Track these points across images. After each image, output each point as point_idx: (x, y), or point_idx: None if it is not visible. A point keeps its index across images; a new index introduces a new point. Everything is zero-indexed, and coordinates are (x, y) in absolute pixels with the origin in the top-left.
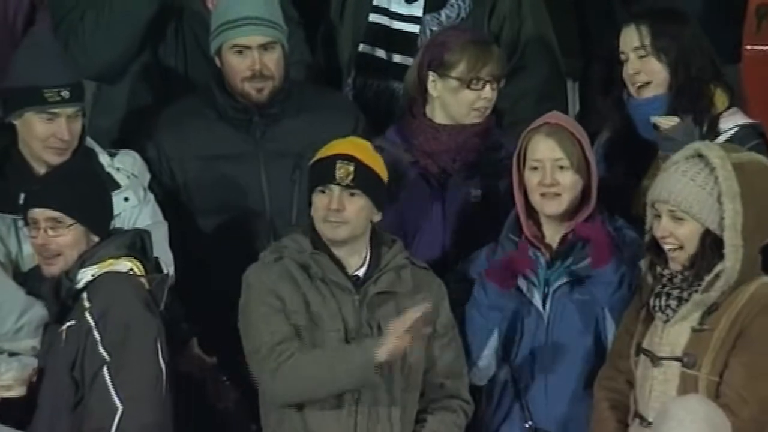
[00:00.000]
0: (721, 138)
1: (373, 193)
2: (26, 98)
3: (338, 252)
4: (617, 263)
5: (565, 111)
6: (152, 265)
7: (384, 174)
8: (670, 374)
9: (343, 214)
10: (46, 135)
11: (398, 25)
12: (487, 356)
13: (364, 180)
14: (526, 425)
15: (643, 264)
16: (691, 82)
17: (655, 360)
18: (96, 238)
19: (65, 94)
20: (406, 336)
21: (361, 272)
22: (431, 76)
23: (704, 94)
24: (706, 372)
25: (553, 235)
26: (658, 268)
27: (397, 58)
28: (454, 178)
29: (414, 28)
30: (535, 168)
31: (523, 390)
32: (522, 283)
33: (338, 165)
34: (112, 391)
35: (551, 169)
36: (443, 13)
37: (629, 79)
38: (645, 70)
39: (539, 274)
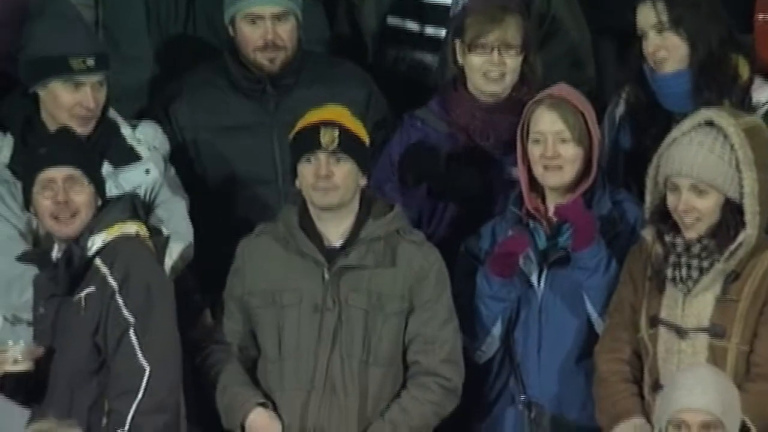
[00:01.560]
0: (761, 111)
1: (359, 157)
2: (52, 67)
3: (322, 222)
4: (596, 249)
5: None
6: (149, 227)
7: (366, 138)
8: (699, 346)
9: (332, 180)
10: (71, 104)
11: None
12: (490, 342)
13: (349, 144)
14: (521, 398)
15: (647, 234)
16: (712, 54)
17: (682, 332)
18: (99, 202)
19: (90, 62)
20: None
21: (338, 243)
22: (456, 43)
23: (728, 65)
24: (736, 342)
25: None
26: (667, 237)
27: (429, 30)
28: (489, 155)
29: (446, 0)
30: (538, 140)
31: (518, 365)
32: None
33: (322, 131)
34: (139, 353)
35: (553, 142)
36: None
37: (649, 56)
38: (665, 46)
39: (537, 247)
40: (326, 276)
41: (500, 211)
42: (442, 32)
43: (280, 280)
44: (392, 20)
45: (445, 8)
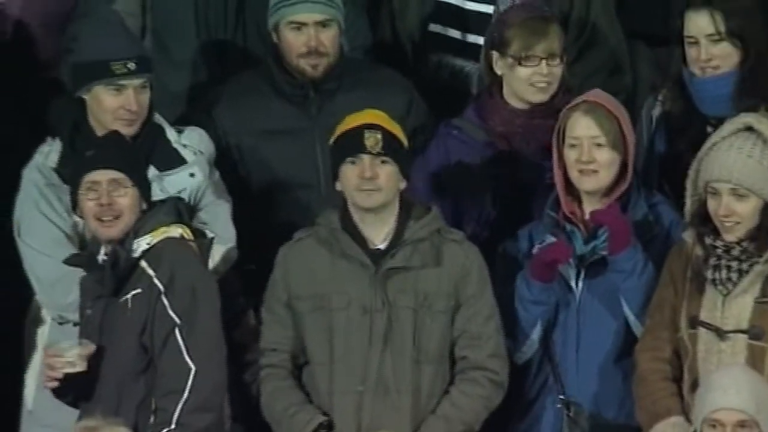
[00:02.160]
0: None
1: (401, 160)
2: (94, 72)
3: (365, 225)
4: (632, 252)
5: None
6: (193, 230)
7: (406, 141)
8: (738, 347)
9: (376, 182)
10: (115, 107)
11: (471, 5)
12: (530, 345)
13: (391, 147)
14: (560, 397)
15: (688, 237)
16: (759, 60)
17: (721, 334)
18: (144, 206)
19: (131, 66)
20: None
21: (383, 245)
22: (494, 54)
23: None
24: None
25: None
26: (708, 240)
27: (471, 38)
28: (529, 161)
29: (488, 9)
30: (574, 145)
31: (557, 365)
32: None
33: (366, 134)
34: (185, 353)
35: (588, 147)
36: None
37: (697, 62)
38: (718, 55)
39: (575, 251)
40: (373, 278)
41: (539, 215)
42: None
43: (327, 283)
44: (434, 27)
45: (487, 16)
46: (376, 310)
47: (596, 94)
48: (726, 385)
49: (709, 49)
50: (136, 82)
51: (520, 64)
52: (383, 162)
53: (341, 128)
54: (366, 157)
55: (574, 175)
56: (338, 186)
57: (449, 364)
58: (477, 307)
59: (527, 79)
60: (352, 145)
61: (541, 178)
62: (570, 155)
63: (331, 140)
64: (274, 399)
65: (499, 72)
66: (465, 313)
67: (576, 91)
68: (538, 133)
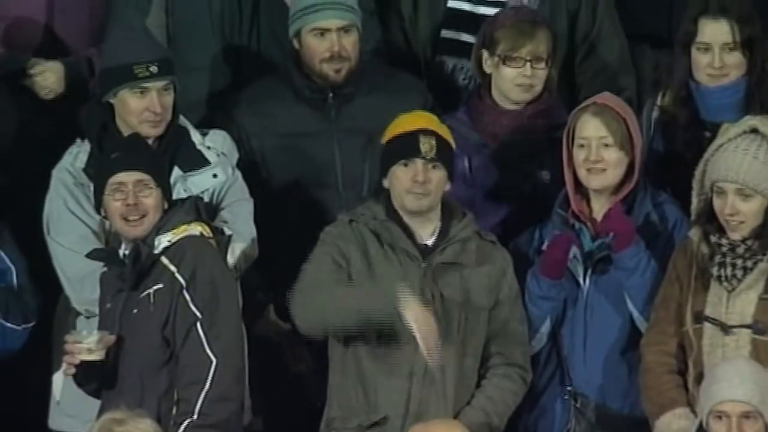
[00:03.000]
0: None
1: (449, 165)
2: (118, 76)
3: (410, 221)
4: (635, 250)
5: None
6: (212, 228)
7: (454, 145)
8: (742, 341)
9: (427, 186)
10: (140, 109)
11: (483, 9)
12: (539, 339)
13: (443, 153)
14: (568, 389)
15: (694, 234)
16: (765, 69)
17: (726, 328)
18: (166, 205)
19: (153, 69)
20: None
21: (430, 242)
22: (484, 53)
23: None
24: None
25: (600, 209)
26: (713, 238)
27: None
28: (518, 159)
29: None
30: (582, 145)
31: (565, 358)
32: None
33: (422, 140)
34: (206, 346)
35: (597, 147)
36: None
37: (707, 70)
38: (730, 64)
39: (583, 247)
40: (425, 271)
41: (528, 211)
42: None
43: (382, 268)
44: (447, 33)
45: None
46: (427, 302)
47: (604, 97)
48: (731, 377)
49: (723, 57)
50: (159, 84)
51: (505, 63)
52: (434, 167)
53: (395, 129)
54: (420, 162)
55: (582, 173)
56: (386, 183)
57: (482, 358)
58: (513, 306)
59: (512, 79)
60: (407, 148)
61: (529, 176)
62: (579, 155)
63: (384, 139)
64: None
65: (487, 71)
66: (502, 311)
67: (584, 87)
68: (528, 132)
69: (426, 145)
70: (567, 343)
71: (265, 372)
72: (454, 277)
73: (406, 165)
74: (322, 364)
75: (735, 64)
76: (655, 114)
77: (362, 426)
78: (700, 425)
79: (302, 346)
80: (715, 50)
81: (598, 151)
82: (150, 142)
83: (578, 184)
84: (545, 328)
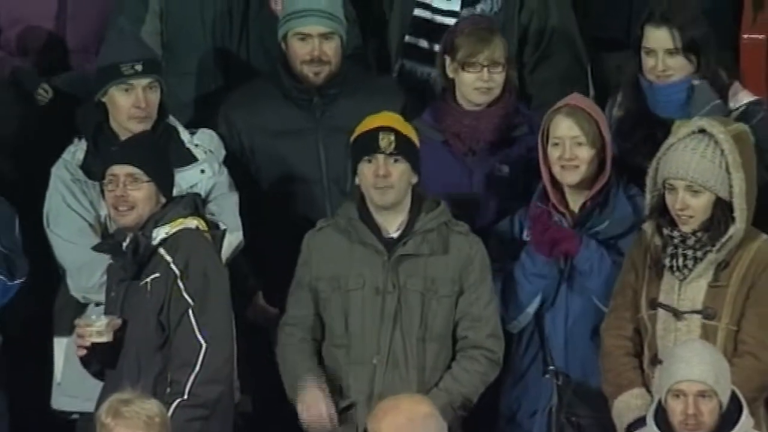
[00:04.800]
0: (734, 114)
1: (412, 158)
2: (107, 75)
3: (380, 216)
4: (585, 255)
5: (586, 94)
6: (208, 222)
7: (417, 141)
8: (693, 326)
9: (389, 179)
10: (127, 106)
11: (440, 18)
12: (528, 313)
13: (404, 147)
14: (550, 368)
15: (648, 227)
16: (711, 72)
17: (678, 314)
18: (163, 200)
19: (138, 67)
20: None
21: (396, 235)
22: (447, 59)
23: (717, 77)
24: (726, 322)
25: (575, 202)
26: (665, 230)
27: (438, 48)
28: (479, 156)
29: (452, 22)
30: (557, 144)
31: (547, 338)
32: None
33: (381, 136)
34: (197, 331)
35: (570, 145)
36: (478, 7)
37: (653, 71)
38: (673, 67)
39: None
40: (386, 263)
41: (489, 203)
42: None
43: (345, 267)
44: (409, 38)
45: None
46: (388, 291)
47: (575, 98)
48: (688, 358)
49: (666, 60)
50: (144, 81)
51: (464, 69)
52: (396, 161)
53: (359, 129)
54: (380, 157)
55: (557, 170)
56: (357, 181)
57: (452, 343)
58: (479, 292)
59: (471, 83)
60: (368, 145)
61: (491, 171)
62: (553, 153)
63: (351, 140)
64: (288, 356)
65: (450, 75)
66: (467, 298)
67: (534, 97)
68: (486, 132)
69: (385, 140)
70: (549, 325)
71: (253, 354)
72: (417, 267)
73: (369, 161)
74: None
75: (678, 66)
76: (615, 112)
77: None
78: (659, 403)
79: None
80: (659, 54)
81: (572, 149)
82: None
83: (553, 179)
84: (532, 307)
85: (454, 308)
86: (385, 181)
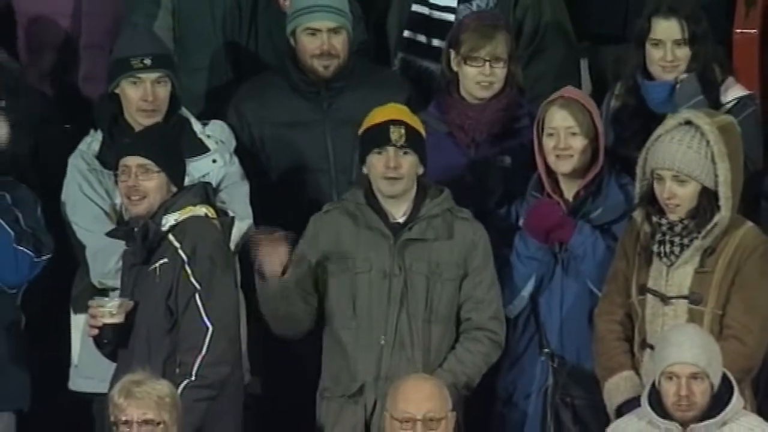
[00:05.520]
0: (725, 108)
1: (420, 150)
2: (118, 68)
3: (385, 203)
4: (579, 239)
5: (578, 87)
6: (218, 210)
7: (424, 133)
8: (680, 311)
9: (399, 171)
10: (136, 98)
11: (437, 14)
12: (524, 296)
13: (413, 140)
14: (546, 351)
15: (637, 215)
16: (702, 65)
17: (665, 299)
18: (174, 189)
19: (147, 61)
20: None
21: (402, 220)
22: (451, 53)
23: (712, 71)
24: (711, 307)
25: (569, 190)
26: (654, 218)
27: (436, 42)
28: (482, 147)
29: (450, 17)
30: (551, 134)
31: (542, 322)
32: None
33: (392, 129)
34: (203, 315)
35: (564, 135)
36: (474, 3)
37: (660, 63)
38: (680, 58)
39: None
40: (392, 247)
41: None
42: None
43: (352, 249)
44: (407, 33)
45: (449, 24)
46: (394, 275)
47: (569, 91)
48: (681, 341)
49: (675, 51)
50: (153, 75)
51: (467, 63)
52: (405, 153)
53: (369, 121)
54: (391, 149)
55: (551, 159)
56: (364, 170)
57: (456, 325)
58: (482, 276)
59: (473, 77)
60: (379, 137)
61: (494, 161)
62: (548, 143)
63: (361, 131)
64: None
65: (454, 69)
66: (471, 281)
67: (528, 90)
68: (489, 124)
69: (396, 133)
70: (544, 310)
71: (263, 337)
72: (423, 251)
73: (379, 153)
74: (315, 333)
75: (685, 57)
76: (613, 103)
77: (345, 395)
78: (653, 385)
79: None
80: (667, 45)
81: (566, 139)
82: None
83: (548, 168)
84: (527, 290)
85: (458, 291)
86: (396, 173)
